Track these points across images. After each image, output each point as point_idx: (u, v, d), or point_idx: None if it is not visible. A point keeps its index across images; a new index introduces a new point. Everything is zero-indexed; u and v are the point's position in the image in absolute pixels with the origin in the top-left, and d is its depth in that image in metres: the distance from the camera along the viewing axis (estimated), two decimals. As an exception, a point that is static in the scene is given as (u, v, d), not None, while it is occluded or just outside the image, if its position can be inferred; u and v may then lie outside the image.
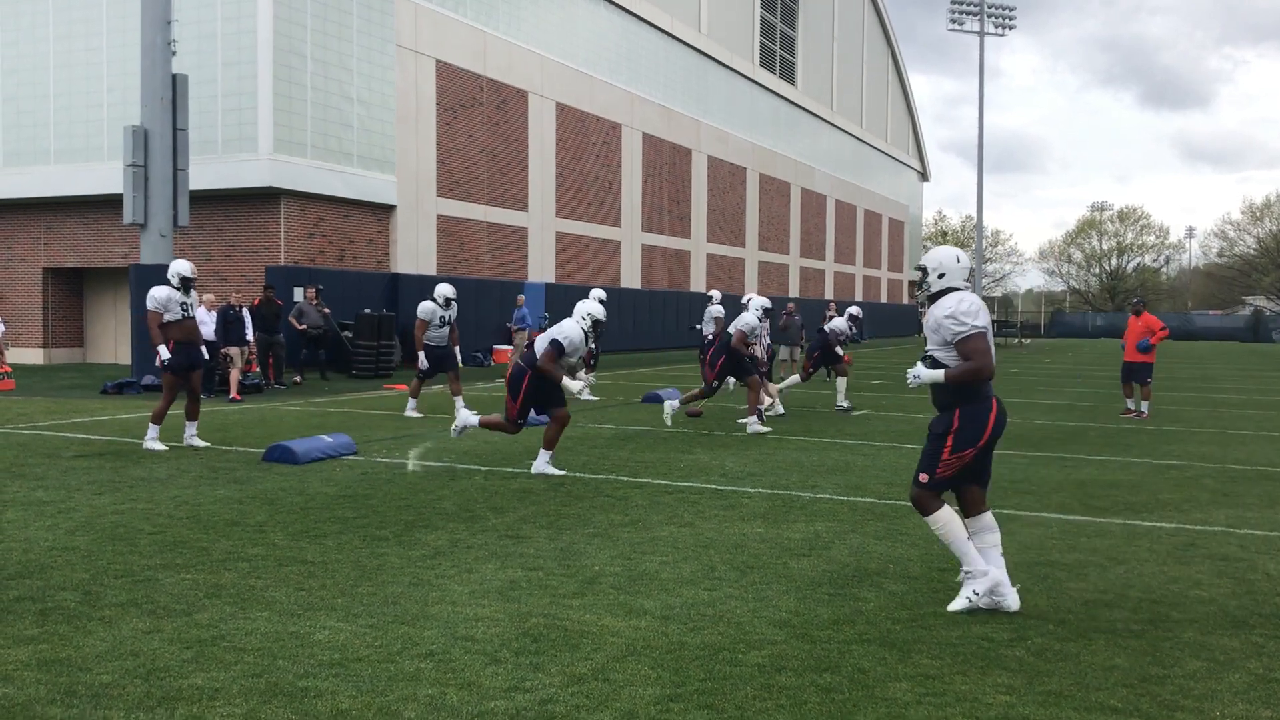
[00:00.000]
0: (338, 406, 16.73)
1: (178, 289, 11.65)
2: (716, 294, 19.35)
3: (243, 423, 14.08)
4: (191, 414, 11.61)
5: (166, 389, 11.43)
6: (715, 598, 5.90)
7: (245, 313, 17.99)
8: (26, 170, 25.52)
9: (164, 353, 11.32)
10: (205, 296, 18.14)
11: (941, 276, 5.95)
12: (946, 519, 5.81)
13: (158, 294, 11.55)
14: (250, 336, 18.01)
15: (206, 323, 17.67)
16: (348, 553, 6.83)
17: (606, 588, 6.07)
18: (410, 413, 14.81)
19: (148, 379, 18.76)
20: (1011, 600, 5.74)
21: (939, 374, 5.79)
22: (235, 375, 17.46)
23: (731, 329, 14.62)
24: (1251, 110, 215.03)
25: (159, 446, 11.27)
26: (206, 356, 12.40)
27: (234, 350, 17.58)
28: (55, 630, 5.13)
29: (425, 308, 14.76)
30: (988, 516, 5.89)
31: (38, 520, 7.68)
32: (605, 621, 5.42)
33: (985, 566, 5.74)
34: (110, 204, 24.01)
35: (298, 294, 22.47)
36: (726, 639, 5.18)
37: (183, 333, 11.52)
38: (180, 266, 11.71)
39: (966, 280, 5.97)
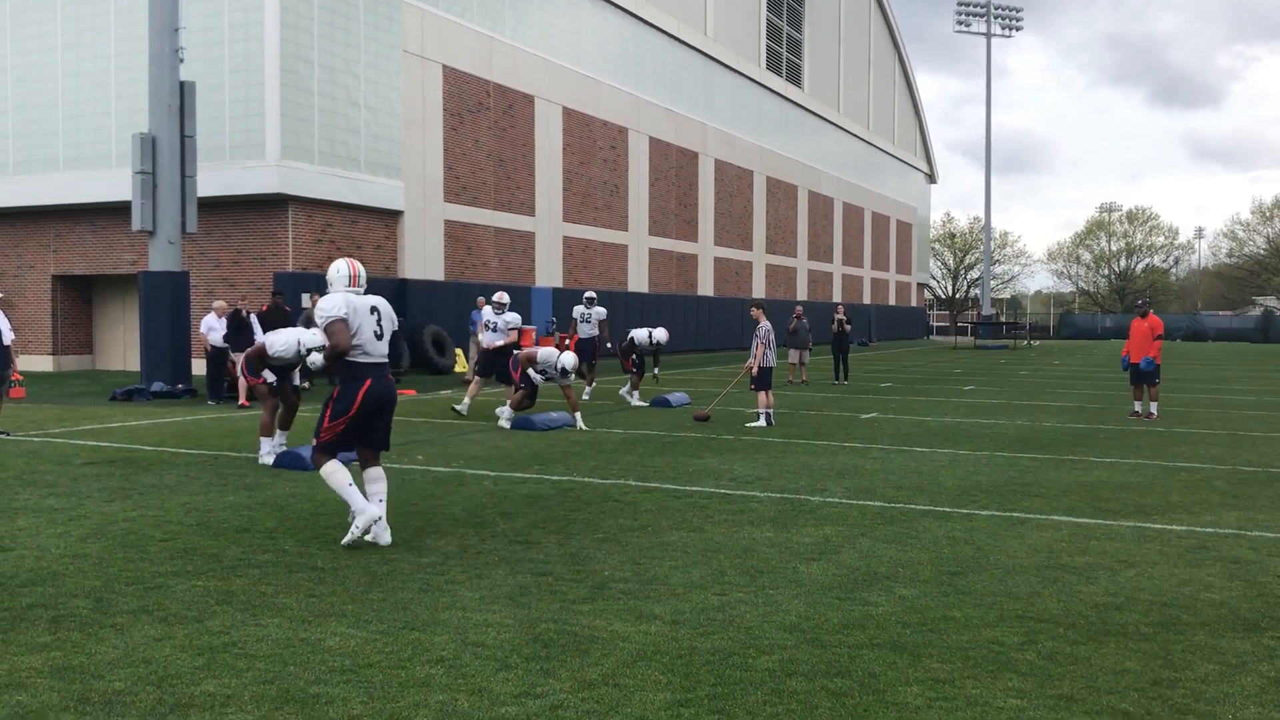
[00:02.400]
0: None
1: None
2: (594, 294, 20.19)
3: (251, 429, 14.10)
4: (285, 423, 11.58)
5: (265, 401, 11.46)
6: (725, 602, 5.90)
7: (254, 318, 18.02)
8: (35, 178, 25.62)
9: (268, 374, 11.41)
10: (216, 303, 18.19)
11: (330, 284, 7.49)
12: (331, 470, 7.26)
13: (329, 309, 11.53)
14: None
15: (216, 329, 17.73)
16: (357, 559, 6.84)
17: (616, 593, 6.08)
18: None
19: (157, 386, 18.82)
20: (384, 537, 7.20)
21: (319, 356, 7.47)
22: (244, 381, 17.50)
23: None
24: (1263, 108, 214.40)
25: (269, 460, 11.28)
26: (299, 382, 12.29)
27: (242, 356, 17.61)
28: (68, 637, 5.15)
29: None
30: (375, 470, 7.41)
31: (49, 528, 7.71)
32: (615, 627, 5.42)
33: (365, 505, 7.18)
34: (119, 211, 24.09)
35: (305, 300, 22.51)
36: (736, 644, 5.18)
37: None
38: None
39: (350, 286, 7.44)
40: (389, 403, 7.41)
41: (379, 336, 7.35)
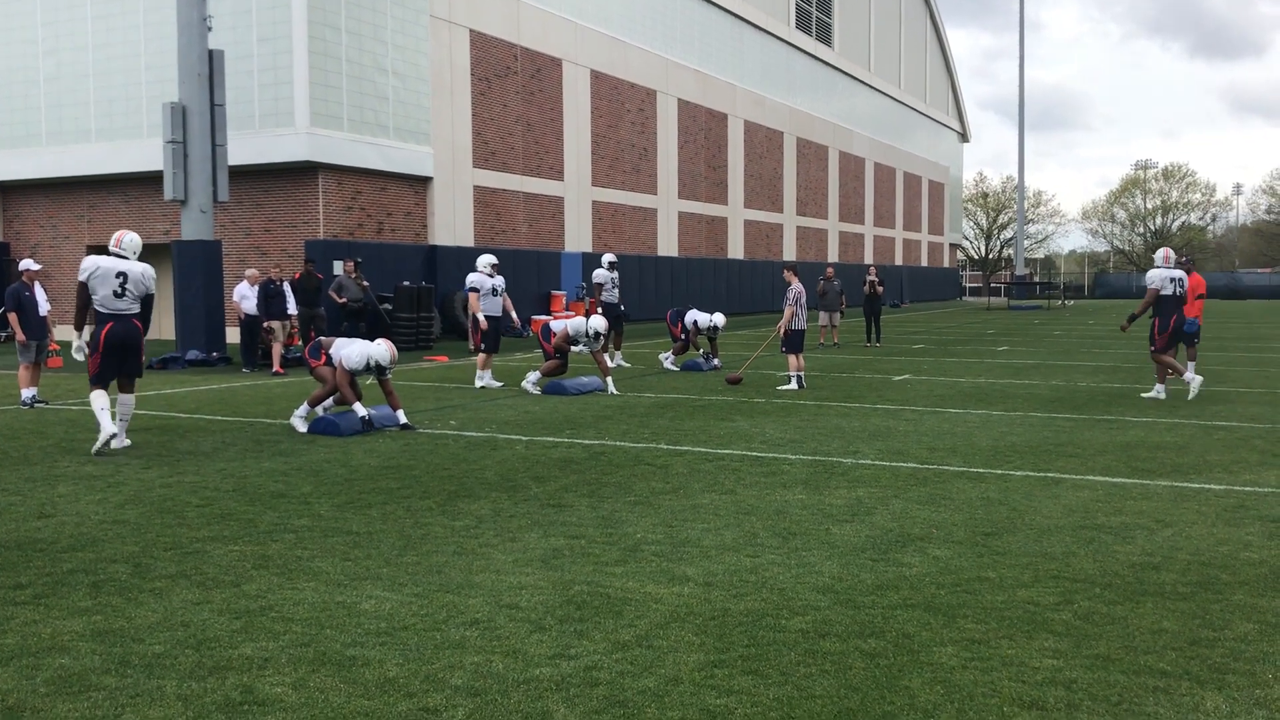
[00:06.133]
0: (379, 378, 16.81)
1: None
2: (615, 258, 19.76)
3: (286, 395, 14.22)
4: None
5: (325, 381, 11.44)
6: (757, 564, 5.90)
7: (286, 287, 18.13)
8: (68, 149, 25.80)
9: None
10: (248, 271, 18.30)
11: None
12: (93, 396, 9.55)
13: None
14: (292, 310, 18.16)
15: (249, 297, 17.85)
16: (392, 523, 6.89)
17: (649, 555, 6.09)
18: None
19: (191, 354, 18.99)
20: (121, 441, 9.60)
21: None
22: (278, 349, 17.64)
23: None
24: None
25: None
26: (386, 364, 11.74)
27: (276, 324, 17.75)
28: (108, 602, 5.22)
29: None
30: (126, 397, 9.82)
31: (88, 494, 7.81)
32: (648, 589, 5.43)
33: (107, 425, 9.38)
34: (151, 181, 24.24)
35: (337, 267, 22.60)
36: (769, 605, 5.17)
37: None
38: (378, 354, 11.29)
39: (114, 247, 9.74)
40: (130, 340, 9.61)
41: (118, 296, 9.53)
